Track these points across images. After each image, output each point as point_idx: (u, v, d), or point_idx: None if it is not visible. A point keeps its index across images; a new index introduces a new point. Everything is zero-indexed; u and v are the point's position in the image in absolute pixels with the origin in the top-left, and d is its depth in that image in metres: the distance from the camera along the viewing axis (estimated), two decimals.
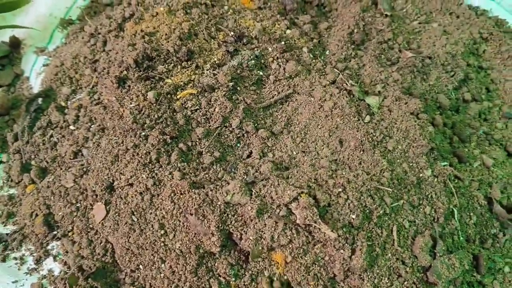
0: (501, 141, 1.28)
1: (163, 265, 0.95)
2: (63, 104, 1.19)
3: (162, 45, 1.17)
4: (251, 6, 1.36)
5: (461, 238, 1.02)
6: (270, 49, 1.23)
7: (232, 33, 1.23)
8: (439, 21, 1.50)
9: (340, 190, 0.95)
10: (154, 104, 1.07)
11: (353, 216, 0.92)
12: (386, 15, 1.44)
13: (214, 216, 0.92)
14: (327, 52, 1.32)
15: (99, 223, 1.02)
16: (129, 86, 1.11)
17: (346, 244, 0.90)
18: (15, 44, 1.37)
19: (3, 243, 1.07)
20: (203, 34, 1.21)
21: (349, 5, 1.45)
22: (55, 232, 1.05)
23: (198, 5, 1.27)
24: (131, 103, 1.07)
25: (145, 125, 1.04)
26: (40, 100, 1.21)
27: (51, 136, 1.15)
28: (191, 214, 0.93)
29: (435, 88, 1.28)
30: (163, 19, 1.23)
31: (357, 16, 1.39)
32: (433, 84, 1.29)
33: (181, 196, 0.96)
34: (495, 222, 1.08)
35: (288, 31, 1.31)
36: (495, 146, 1.25)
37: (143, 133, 1.03)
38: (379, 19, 1.42)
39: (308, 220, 0.90)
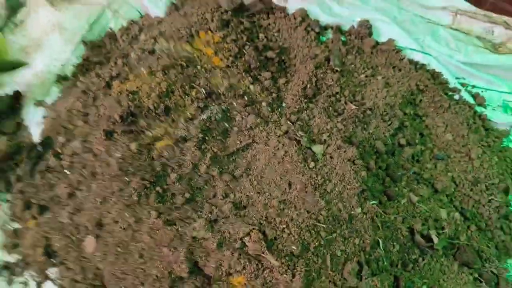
0: (430, 179, 1.52)
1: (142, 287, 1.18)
2: (59, 151, 1.41)
3: (144, 102, 1.40)
4: (221, 64, 1.59)
5: (385, 263, 1.25)
6: (235, 103, 1.48)
7: (203, 90, 1.47)
8: (383, 74, 1.75)
9: (284, 226, 1.18)
10: (136, 154, 1.30)
11: (294, 247, 1.16)
12: (336, 71, 1.69)
13: (183, 248, 1.15)
14: (283, 105, 1.57)
15: (90, 253, 1.24)
16: (115, 138, 1.33)
17: (288, 270, 1.13)
18: (17, 97, 1.60)
19: (9, 269, 1.28)
20: (179, 91, 1.45)
21: (305, 62, 1.69)
22: (53, 260, 1.26)
23: (174, 66, 1.50)
24: (117, 153, 1.30)
25: (128, 172, 1.27)
26: (39, 147, 1.42)
27: (49, 179, 1.36)
28: (165, 247, 1.16)
29: (374, 135, 1.53)
30: (145, 79, 1.46)
31: (311, 72, 1.63)
32: (372, 132, 1.53)
33: (157, 231, 1.19)
34: (415, 249, 1.32)
35: (251, 87, 1.55)
36: (423, 184, 1.50)
37: (127, 179, 1.26)
38: (329, 74, 1.66)
39: (258, 251, 1.13)
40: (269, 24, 1.85)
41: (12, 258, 1.31)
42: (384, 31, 1.89)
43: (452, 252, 1.35)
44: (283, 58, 1.75)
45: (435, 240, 1.31)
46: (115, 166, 1.27)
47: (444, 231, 1.37)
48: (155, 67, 1.49)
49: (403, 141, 1.57)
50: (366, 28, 1.85)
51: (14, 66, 1.54)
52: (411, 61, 1.83)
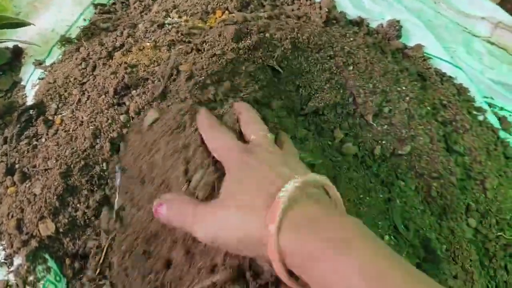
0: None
1: None
2: (50, 118, 1.34)
3: (140, 74, 1.31)
4: None
5: None
6: None
7: None
8: None
9: None
10: None
11: None
12: None
13: None
14: None
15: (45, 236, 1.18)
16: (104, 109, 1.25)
17: None
18: (17, 53, 1.53)
19: None
20: None
21: None
22: (22, 236, 1.19)
23: (181, 42, 1.41)
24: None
25: None
26: (31, 111, 1.35)
27: (35, 146, 1.30)
28: None
29: None
30: (147, 52, 1.37)
31: None
32: None
33: None
34: None
35: None
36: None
37: None
38: None
39: None
40: (292, 10, 1.73)
41: None
42: (414, 35, 1.77)
43: None
44: None
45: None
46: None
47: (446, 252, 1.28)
48: (161, 42, 1.40)
49: None
50: (395, 29, 1.72)
51: (18, 25, 1.46)
52: (437, 72, 1.70)
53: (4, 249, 1.21)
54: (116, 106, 1.25)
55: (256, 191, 0.76)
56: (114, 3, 1.67)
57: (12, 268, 1.19)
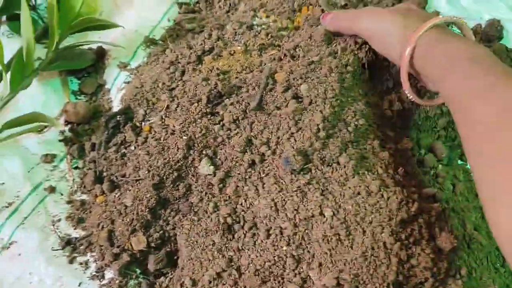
0: None
1: None
2: (138, 124, 1.29)
3: (232, 82, 1.25)
4: None
5: None
6: None
7: None
8: None
9: None
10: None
11: None
12: None
13: None
14: None
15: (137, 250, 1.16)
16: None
17: None
18: (101, 54, 1.49)
19: (72, 245, 1.20)
20: None
21: None
22: (114, 249, 1.16)
23: (272, 46, 1.33)
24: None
25: None
26: (119, 117, 1.31)
27: (123, 154, 1.26)
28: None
29: None
30: (239, 57, 1.30)
31: None
32: None
33: None
34: None
35: None
36: None
37: None
38: None
39: None
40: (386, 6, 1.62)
41: (76, 233, 1.23)
42: None
43: None
44: None
45: None
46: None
47: None
48: (251, 45, 1.33)
49: None
50: (496, 30, 1.58)
51: (104, 27, 1.42)
52: None
53: (95, 261, 1.19)
54: (209, 116, 1.19)
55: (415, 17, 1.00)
56: (197, 2, 1.60)
57: (103, 282, 1.16)
